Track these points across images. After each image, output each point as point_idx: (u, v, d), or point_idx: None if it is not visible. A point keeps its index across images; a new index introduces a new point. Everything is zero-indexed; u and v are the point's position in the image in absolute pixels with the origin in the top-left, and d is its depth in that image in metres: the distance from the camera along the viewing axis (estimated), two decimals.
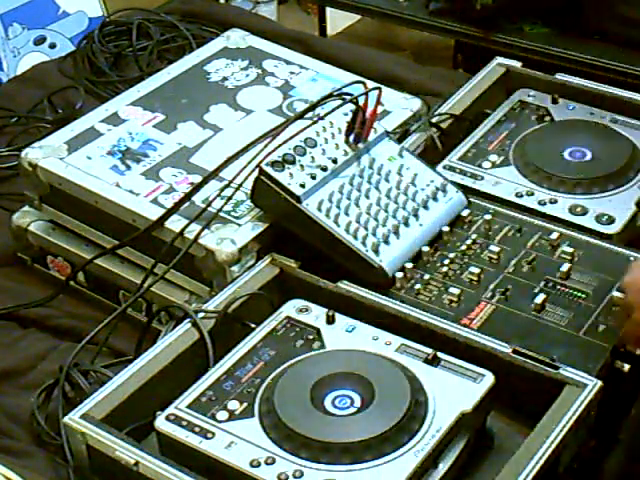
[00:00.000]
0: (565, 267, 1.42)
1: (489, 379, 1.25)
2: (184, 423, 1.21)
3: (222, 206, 1.50)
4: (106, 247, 1.59)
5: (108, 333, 1.49)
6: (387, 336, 1.32)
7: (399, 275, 1.43)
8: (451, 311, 1.38)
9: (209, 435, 1.19)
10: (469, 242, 1.49)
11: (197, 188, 1.53)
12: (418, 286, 1.42)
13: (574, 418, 1.21)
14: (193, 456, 1.18)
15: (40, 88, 2.19)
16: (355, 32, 3.49)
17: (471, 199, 1.56)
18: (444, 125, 1.73)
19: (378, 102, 1.52)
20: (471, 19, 2.55)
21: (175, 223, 1.50)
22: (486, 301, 1.40)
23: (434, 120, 1.73)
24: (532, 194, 1.57)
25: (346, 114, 1.52)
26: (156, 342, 1.35)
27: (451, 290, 1.40)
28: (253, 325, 1.37)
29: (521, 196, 1.57)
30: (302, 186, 1.45)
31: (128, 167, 1.62)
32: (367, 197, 1.49)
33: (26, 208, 1.71)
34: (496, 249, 1.46)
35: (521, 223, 1.51)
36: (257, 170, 1.46)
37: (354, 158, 1.52)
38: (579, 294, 1.40)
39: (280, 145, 1.46)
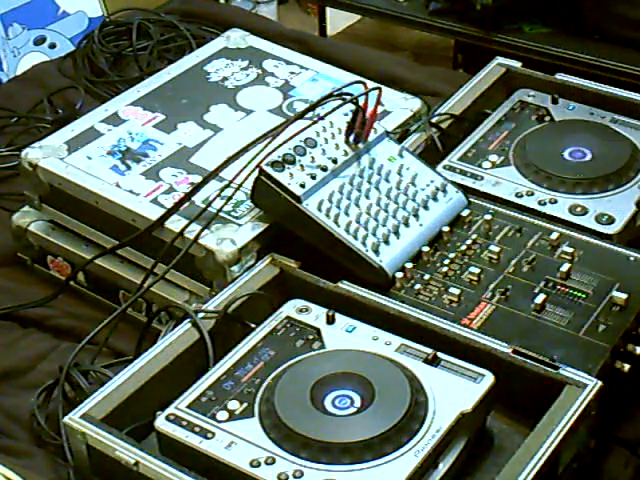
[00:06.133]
0: (565, 267, 1.42)
1: (489, 379, 1.25)
2: (184, 423, 1.21)
3: (222, 206, 1.50)
4: (106, 247, 1.60)
5: (108, 333, 1.49)
6: (387, 336, 1.32)
7: (399, 275, 1.43)
8: (451, 311, 1.38)
9: (209, 435, 1.19)
10: (469, 242, 1.49)
11: (197, 188, 1.52)
12: (418, 286, 1.42)
13: (574, 418, 1.21)
14: (193, 456, 1.18)
15: (40, 88, 2.19)
16: (355, 32, 3.49)
17: (471, 199, 1.56)
18: (444, 125, 1.73)
19: (378, 102, 1.52)
20: (471, 19, 2.55)
21: (175, 223, 1.50)
22: (486, 301, 1.39)
23: (434, 120, 1.73)
24: (532, 194, 1.57)
25: (346, 114, 1.52)
26: (156, 342, 1.35)
27: (451, 290, 1.40)
28: (253, 325, 1.37)
29: (521, 196, 1.57)
30: (302, 186, 1.45)
31: (128, 167, 1.62)
32: (367, 197, 1.49)
33: (26, 208, 1.71)
34: (496, 249, 1.46)
35: (521, 223, 1.51)
36: (257, 170, 1.46)
37: (354, 158, 1.52)
38: (579, 294, 1.40)
39: (280, 145, 1.46)
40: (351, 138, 1.52)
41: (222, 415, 1.22)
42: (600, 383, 1.25)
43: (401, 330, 1.33)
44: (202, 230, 1.48)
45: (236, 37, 1.95)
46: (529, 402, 1.27)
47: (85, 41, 2.32)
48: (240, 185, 1.49)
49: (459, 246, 1.48)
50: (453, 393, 1.23)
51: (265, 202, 1.49)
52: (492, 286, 1.42)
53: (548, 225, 1.51)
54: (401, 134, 1.70)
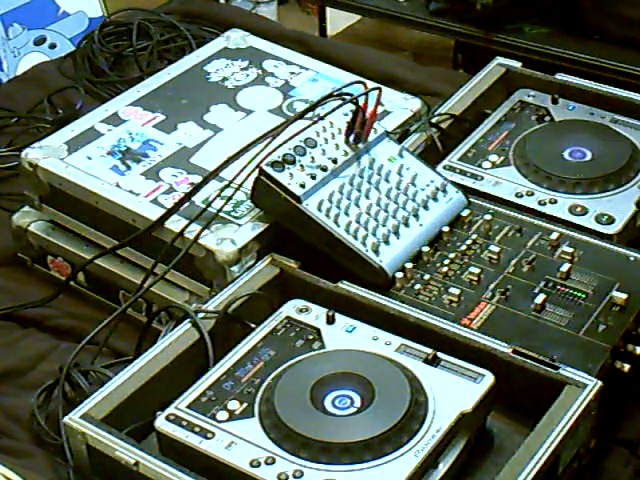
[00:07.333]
0: (565, 267, 1.42)
1: (489, 379, 1.25)
2: (184, 423, 1.21)
3: (222, 206, 1.50)
4: (106, 247, 1.60)
5: (108, 333, 1.49)
6: (387, 336, 1.32)
7: (399, 275, 1.43)
8: (451, 311, 1.38)
9: (209, 435, 1.19)
10: (469, 242, 1.49)
11: (197, 188, 1.53)
12: (418, 286, 1.42)
13: (574, 418, 1.21)
14: (193, 456, 1.18)
15: (40, 88, 2.19)
16: (355, 32, 3.49)
17: (471, 199, 1.56)
18: (444, 125, 1.73)
19: (378, 102, 1.52)
20: (471, 19, 2.55)
21: (175, 223, 1.50)
22: (486, 301, 1.39)
23: (434, 120, 1.73)
24: (532, 194, 1.57)
25: (346, 114, 1.52)
26: (156, 342, 1.35)
27: (451, 290, 1.40)
28: (253, 325, 1.37)
29: (521, 196, 1.57)
30: (302, 186, 1.45)
31: (128, 167, 1.62)
32: (367, 197, 1.49)
33: (26, 208, 1.71)
34: (496, 249, 1.46)
35: (521, 223, 1.51)
36: (257, 170, 1.46)
37: (354, 158, 1.52)
38: (579, 294, 1.40)
39: (280, 145, 1.46)
40: (351, 138, 1.52)
41: (222, 415, 1.22)
42: (600, 383, 1.25)
43: (401, 330, 1.33)
44: (202, 230, 1.48)
45: (236, 37, 1.95)
46: (529, 402, 1.27)
47: (85, 41, 2.32)
48: (240, 185, 1.49)
49: (459, 246, 1.48)
50: (453, 393, 1.23)
51: (265, 202, 1.49)
52: (492, 286, 1.42)
53: (548, 225, 1.51)
54: (401, 134, 1.70)
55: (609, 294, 1.39)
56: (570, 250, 1.45)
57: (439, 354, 1.28)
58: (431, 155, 1.66)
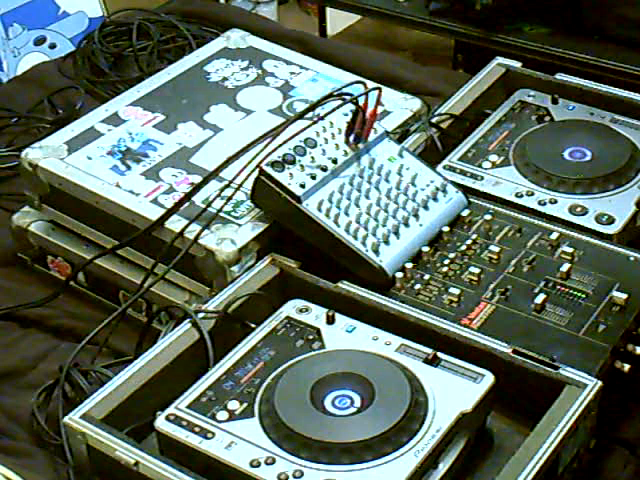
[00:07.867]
0: (565, 267, 1.42)
1: (489, 379, 1.25)
2: (184, 423, 1.21)
3: (222, 206, 1.50)
4: (106, 247, 1.60)
5: (108, 333, 1.49)
6: (387, 336, 1.32)
7: (399, 275, 1.43)
8: (451, 311, 1.38)
9: (209, 435, 1.19)
10: (469, 242, 1.49)
11: (197, 188, 1.53)
12: (418, 286, 1.42)
13: (574, 418, 1.21)
14: (193, 456, 1.18)
15: (40, 88, 2.19)
16: (355, 32, 3.49)
17: (471, 199, 1.56)
18: (444, 125, 1.73)
19: (378, 102, 1.52)
20: (471, 19, 2.56)
21: (175, 223, 1.50)
22: (486, 301, 1.39)
23: (434, 120, 1.73)
24: (532, 194, 1.57)
25: (346, 114, 1.52)
26: (156, 342, 1.35)
27: (451, 290, 1.40)
28: (253, 325, 1.37)
29: (521, 196, 1.57)
30: (302, 186, 1.45)
31: (128, 167, 1.62)
32: (367, 197, 1.49)
33: (26, 208, 1.71)
34: (496, 249, 1.46)
35: (521, 223, 1.51)
36: (257, 170, 1.46)
37: (354, 158, 1.52)
38: (579, 294, 1.40)
39: (280, 145, 1.46)
40: (351, 138, 1.52)
41: (222, 415, 1.22)
42: (600, 383, 1.25)
43: (401, 330, 1.33)
44: (202, 230, 1.48)
45: (236, 37, 1.95)
46: (529, 402, 1.27)
47: (85, 41, 2.32)
48: (240, 185, 1.49)
49: (459, 246, 1.48)
50: (453, 393, 1.23)
51: (265, 202, 1.49)
52: (492, 286, 1.42)
53: (548, 225, 1.51)
54: (401, 134, 1.70)
55: (609, 294, 1.39)
56: (570, 250, 1.45)
57: (439, 354, 1.28)
58: (431, 155, 1.66)
